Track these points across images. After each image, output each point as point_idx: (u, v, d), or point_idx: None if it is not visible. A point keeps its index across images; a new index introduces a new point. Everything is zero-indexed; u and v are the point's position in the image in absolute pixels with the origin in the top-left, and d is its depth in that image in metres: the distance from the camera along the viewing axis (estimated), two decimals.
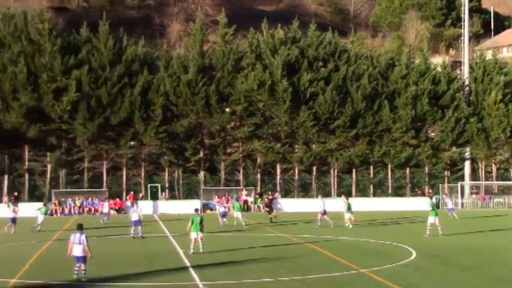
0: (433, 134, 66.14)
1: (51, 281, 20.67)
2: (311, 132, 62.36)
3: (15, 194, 56.84)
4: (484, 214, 51.53)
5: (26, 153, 58.72)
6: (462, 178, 64.87)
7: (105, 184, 59.53)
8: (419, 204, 53.46)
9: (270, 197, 55.98)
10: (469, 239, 32.58)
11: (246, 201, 57.95)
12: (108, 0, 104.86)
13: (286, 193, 63.20)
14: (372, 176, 64.55)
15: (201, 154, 61.45)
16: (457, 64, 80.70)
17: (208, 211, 55.41)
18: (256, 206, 58.96)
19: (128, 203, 54.24)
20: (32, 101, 57.04)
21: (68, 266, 21.59)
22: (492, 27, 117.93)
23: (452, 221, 43.14)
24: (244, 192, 59.10)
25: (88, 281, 20.42)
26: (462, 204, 61.51)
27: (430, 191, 62.82)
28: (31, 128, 57.26)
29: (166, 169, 61.20)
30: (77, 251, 20.59)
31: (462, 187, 62.52)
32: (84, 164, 59.80)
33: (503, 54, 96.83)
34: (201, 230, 26.82)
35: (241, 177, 61.84)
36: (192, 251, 26.48)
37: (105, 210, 47.53)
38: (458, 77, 68.66)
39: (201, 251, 26.48)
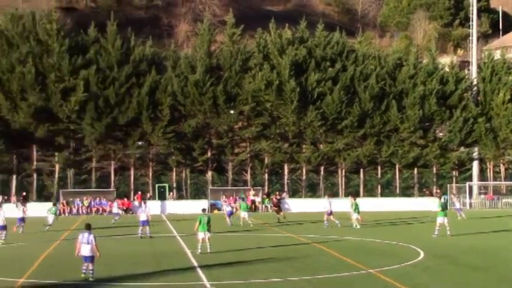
0: (441, 134, 66.02)
1: (59, 281, 20.72)
2: (319, 132, 62.31)
3: (24, 194, 57.08)
4: (492, 214, 51.34)
5: (34, 153, 58.88)
6: (470, 178, 64.72)
7: (113, 184, 59.62)
8: (427, 204, 53.38)
9: (278, 197, 56.00)
10: (478, 240, 32.46)
11: (253, 201, 58.00)
12: (116, 0, 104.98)
13: (294, 193, 63.14)
14: (379, 176, 64.42)
15: (209, 154, 61.48)
16: (465, 64, 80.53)
17: (215, 211, 55.39)
18: (263, 206, 58.97)
19: (136, 203, 54.40)
20: (40, 101, 57.22)
21: (76, 265, 21.63)
22: (500, 27, 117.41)
23: (460, 222, 43.02)
24: (252, 192, 59.10)
25: (95, 281, 20.47)
26: (470, 204, 61.34)
27: (438, 191, 62.65)
28: (39, 128, 57.43)
29: (174, 169, 61.27)
30: (85, 250, 20.65)
31: (470, 187, 62.36)
32: (92, 164, 59.97)
33: (511, 54, 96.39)
34: (209, 230, 26.83)
35: (248, 177, 61.84)
36: (199, 251, 26.48)
37: (115, 210, 47.62)
38: (466, 77, 68.39)
39: (208, 251, 26.49)
